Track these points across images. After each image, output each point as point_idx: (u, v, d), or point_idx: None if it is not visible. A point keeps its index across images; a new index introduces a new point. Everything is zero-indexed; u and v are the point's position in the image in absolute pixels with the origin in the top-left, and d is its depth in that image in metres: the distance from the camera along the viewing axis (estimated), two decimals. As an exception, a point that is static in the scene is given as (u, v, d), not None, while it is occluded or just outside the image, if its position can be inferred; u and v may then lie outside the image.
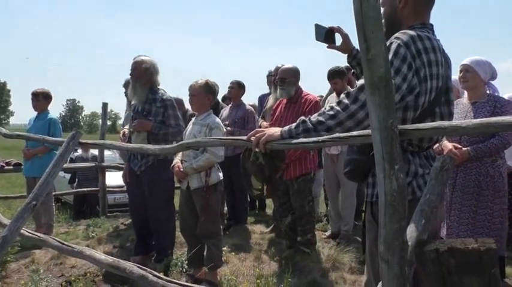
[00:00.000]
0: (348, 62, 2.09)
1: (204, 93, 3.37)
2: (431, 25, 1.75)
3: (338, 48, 2.03)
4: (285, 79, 3.86)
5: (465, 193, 3.03)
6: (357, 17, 1.28)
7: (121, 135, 4.28)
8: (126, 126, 4.20)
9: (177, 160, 3.41)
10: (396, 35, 1.62)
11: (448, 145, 3.03)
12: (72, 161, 7.39)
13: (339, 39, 2.04)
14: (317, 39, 1.99)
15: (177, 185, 4.06)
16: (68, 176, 7.47)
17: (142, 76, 3.72)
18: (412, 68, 1.55)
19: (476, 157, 2.97)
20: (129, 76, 3.84)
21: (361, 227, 4.87)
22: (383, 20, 1.79)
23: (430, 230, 1.63)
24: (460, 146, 3.00)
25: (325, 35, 1.99)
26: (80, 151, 7.60)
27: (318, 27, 1.99)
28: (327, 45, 2.03)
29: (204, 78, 3.44)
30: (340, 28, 2.02)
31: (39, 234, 3.09)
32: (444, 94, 1.69)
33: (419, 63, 1.57)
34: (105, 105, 5.83)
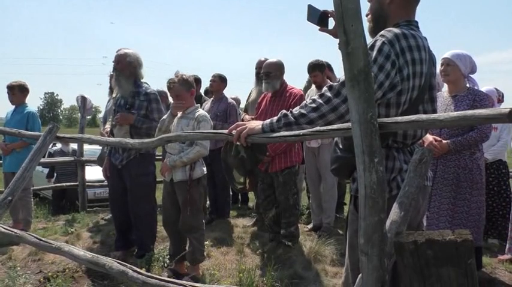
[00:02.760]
0: (339, 48, 2.08)
1: (185, 90, 3.32)
2: (417, 22, 1.75)
3: (330, 32, 2.01)
4: (269, 73, 3.86)
5: (445, 184, 3.08)
6: (337, 9, 1.27)
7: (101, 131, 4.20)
8: (107, 125, 4.12)
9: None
10: (381, 32, 1.63)
11: (428, 137, 3.07)
12: (50, 155, 7.24)
13: (331, 24, 2.02)
14: (309, 19, 1.97)
15: (159, 179, 4.02)
16: (47, 170, 7.32)
17: (126, 69, 3.66)
18: (396, 65, 1.56)
19: (456, 150, 3.02)
20: (114, 69, 3.77)
21: (342, 219, 4.93)
22: (370, 16, 1.80)
23: (413, 223, 1.65)
24: (439, 139, 3.05)
25: (319, 17, 1.97)
26: (58, 145, 7.45)
27: (311, 8, 1.97)
28: (318, 27, 2.01)
29: (177, 73, 3.37)
30: (334, 12, 2.00)
31: (15, 230, 3.01)
32: (427, 92, 1.70)
33: (403, 62, 1.58)
34: (83, 99, 5.72)
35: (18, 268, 3.47)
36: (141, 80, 3.78)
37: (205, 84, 5.90)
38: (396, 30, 1.62)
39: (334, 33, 2.00)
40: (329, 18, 1.99)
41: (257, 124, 1.75)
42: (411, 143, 1.73)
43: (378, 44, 1.57)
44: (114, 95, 4.24)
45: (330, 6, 1.73)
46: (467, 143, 3.01)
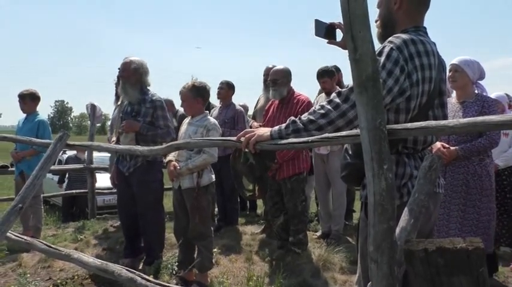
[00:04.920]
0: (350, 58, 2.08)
1: (192, 97, 3.32)
2: (425, 28, 1.75)
3: (338, 44, 2.02)
4: (276, 80, 3.87)
5: (454, 191, 3.05)
6: (344, 16, 1.28)
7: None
8: (114, 137, 4.16)
9: (171, 158, 3.36)
10: (389, 39, 1.63)
11: (436, 144, 3.04)
12: (60, 163, 7.31)
13: (339, 36, 2.03)
14: (316, 34, 1.98)
15: (167, 186, 4.03)
16: (57, 178, 7.39)
17: (132, 76, 3.69)
18: (405, 71, 1.56)
19: (464, 156, 2.99)
20: (119, 77, 3.81)
21: (351, 226, 4.89)
22: (378, 22, 1.80)
23: (424, 230, 1.63)
24: (448, 146, 3.02)
25: (326, 30, 1.99)
26: (68, 153, 7.52)
27: (318, 23, 1.98)
28: (327, 40, 2.02)
29: (193, 79, 3.39)
30: (341, 24, 1.99)
31: (25, 237, 3.04)
32: (437, 97, 1.69)
33: (412, 67, 1.57)
34: (93, 107, 5.77)
35: (28, 275, 3.48)
36: (148, 87, 3.80)
37: (213, 90, 5.92)
38: (404, 36, 1.62)
39: (342, 45, 2.01)
40: (336, 30, 2.00)
41: (265, 131, 1.75)
42: (422, 148, 1.72)
43: (386, 50, 1.58)
44: (119, 103, 4.28)
45: (337, 18, 1.74)
46: (476, 149, 2.98)
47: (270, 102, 4.12)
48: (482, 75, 3.18)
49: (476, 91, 3.16)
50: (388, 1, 1.75)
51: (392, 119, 1.62)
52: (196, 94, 3.33)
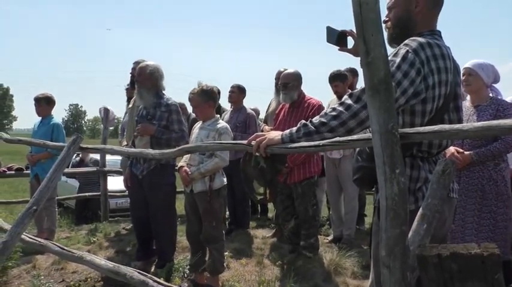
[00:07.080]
0: (361, 66, 2.08)
1: (203, 101, 3.34)
2: (439, 31, 1.74)
3: (349, 51, 2.03)
4: (287, 84, 3.87)
5: (468, 196, 3.00)
6: (357, 19, 1.27)
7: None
8: (124, 142, 4.20)
9: (182, 163, 3.38)
10: (405, 42, 1.62)
11: (450, 148, 3.00)
12: (74, 166, 7.41)
13: (350, 43, 2.03)
14: (328, 41, 1.99)
15: (179, 189, 4.04)
16: (70, 180, 7.50)
17: (147, 81, 3.72)
18: (421, 73, 1.55)
19: (479, 161, 2.95)
20: (135, 81, 3.85)
21: (363, 231, 4.86)
22: (390, 23, 1.78)
23: (438, 236, 1.61)
24: (462, 150, 2.98)
25: (337, 37, 1.99)
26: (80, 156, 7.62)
27: (329, 30, 1.99)
28: (338, 47, 2.03)
29: (200, 83, 3.39)
30: (352, 31, 2.00)
31: (40, 239, 3.09)
32: (452, 101, 1.68)
33: (428, 70, 1.57)
34: (106, 110, 5.84)
35: (42, 277, 3.52)
36: (163, 92, 3.83)
37: (223, 94, 5.94)
38: (420, 39, 1.61)
39: (353, 52, 2.01)
40: (347, 37, 2.00)
41: (276, 135, 1.75)
42: (437, 152, 1.70)
43: (402, 52, 1.57)
44: (130, 106, 4.32)
45: (350, 23, 1.73)
46: (491, 154, 2.93)
47: (280, 106, 4.12)
48: (496, 79, 3.13)
49: (490, 94, 3.11)
50: (407, 2, 1.73)
51: (408, 121, 1.61)
52: (206, 98, 3.34)
